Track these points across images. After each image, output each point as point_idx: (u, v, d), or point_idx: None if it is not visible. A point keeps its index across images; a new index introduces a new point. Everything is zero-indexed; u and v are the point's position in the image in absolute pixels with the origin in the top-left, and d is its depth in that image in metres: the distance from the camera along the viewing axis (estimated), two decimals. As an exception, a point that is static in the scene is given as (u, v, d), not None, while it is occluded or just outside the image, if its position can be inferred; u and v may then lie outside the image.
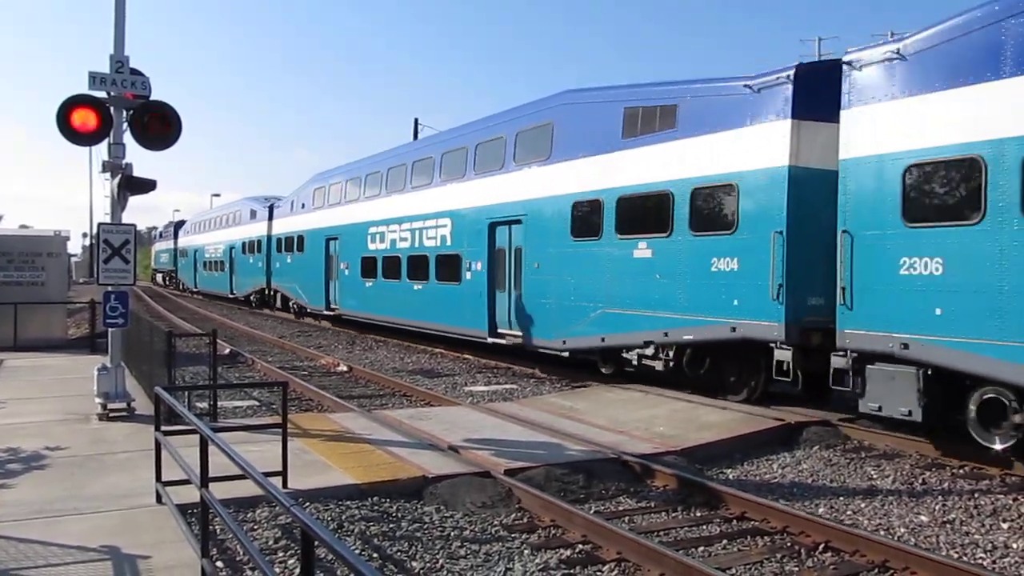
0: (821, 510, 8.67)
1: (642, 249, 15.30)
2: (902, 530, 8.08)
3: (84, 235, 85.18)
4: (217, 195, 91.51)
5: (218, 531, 7.32)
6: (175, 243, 68.64)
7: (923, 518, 8.43)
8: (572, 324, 17.06)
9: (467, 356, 21.78)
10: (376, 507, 8.32)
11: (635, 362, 15.69)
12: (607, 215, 16.12)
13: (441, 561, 7.02)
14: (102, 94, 11.70)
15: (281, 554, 7.01)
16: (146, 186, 12.51)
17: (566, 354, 17.75)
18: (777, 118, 12.90)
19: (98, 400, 12.12)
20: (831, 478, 9.96)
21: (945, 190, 10.60)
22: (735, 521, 8.29)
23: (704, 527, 8.16)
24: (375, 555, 7.10)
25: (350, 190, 29.79)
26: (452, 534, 7.68)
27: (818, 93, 12.56)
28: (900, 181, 10.84)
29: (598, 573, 6.87)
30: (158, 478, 7.76)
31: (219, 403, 13.32)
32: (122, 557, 6.47)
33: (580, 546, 7.46)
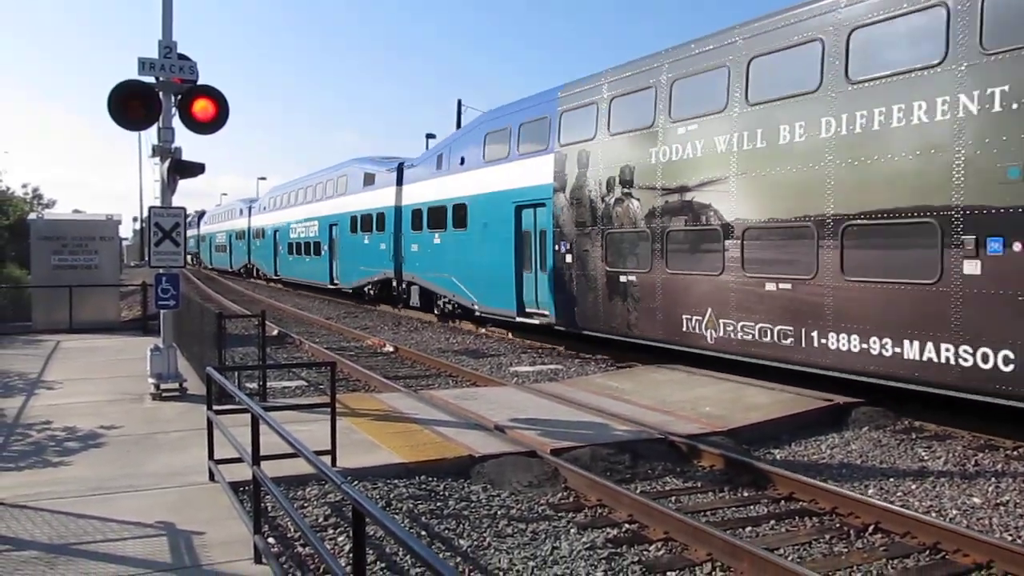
0: (871, 491, 8.57)
1: (366, 240, 32.49)
2: (954, 512, 7.96)
3: (135, 219, 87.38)
4: (263, 179, 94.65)
5: (269, 508, 7.46)
6: (198, 230, 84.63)
7: (976, 500, 8.29)
8: (352, 275, 34.51)
9: (512, 337, 21.85)
10: (423, 485, 8.40)
11: (366, 293, 33.14)
12: (357, 223, 33.49)
13: (488, 539, 7.07)
14: (151, 79, 11.88)
15: (331, 531, 7.12)
16: (195, 170, 12.68)
17: (351, 290, 34.87)
18: (394, 185, 29.57)
19: (151, 380, 12.38)
20: (881, 459, 9.84)
21: (415, 219, 27.12)
22: (783, 501, 8.23)
23: (751, 507, 8.12)
24: (423, 533, 7.18)
25: (284, 200, 47.52)
26: (499, 513, 7.74)
27: (404, 175, 28.97)
28: (411, 215, 27.49)
29: (645, 552, 6.87)
30: (210, 456, 7.91)
31: (268, 383, 13.51)
32: (177, 533, 6.62)
33: (627, 525, 7.46)
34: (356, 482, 8.21)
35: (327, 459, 8.35)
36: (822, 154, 12.19)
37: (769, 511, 8.00)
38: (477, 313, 22.85)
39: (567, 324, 18.38)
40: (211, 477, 7.92)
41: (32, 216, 25.27)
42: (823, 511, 7.88)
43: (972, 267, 10.25)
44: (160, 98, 11.95)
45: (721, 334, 14.07)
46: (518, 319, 20.31)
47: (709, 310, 14.31)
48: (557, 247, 18.44)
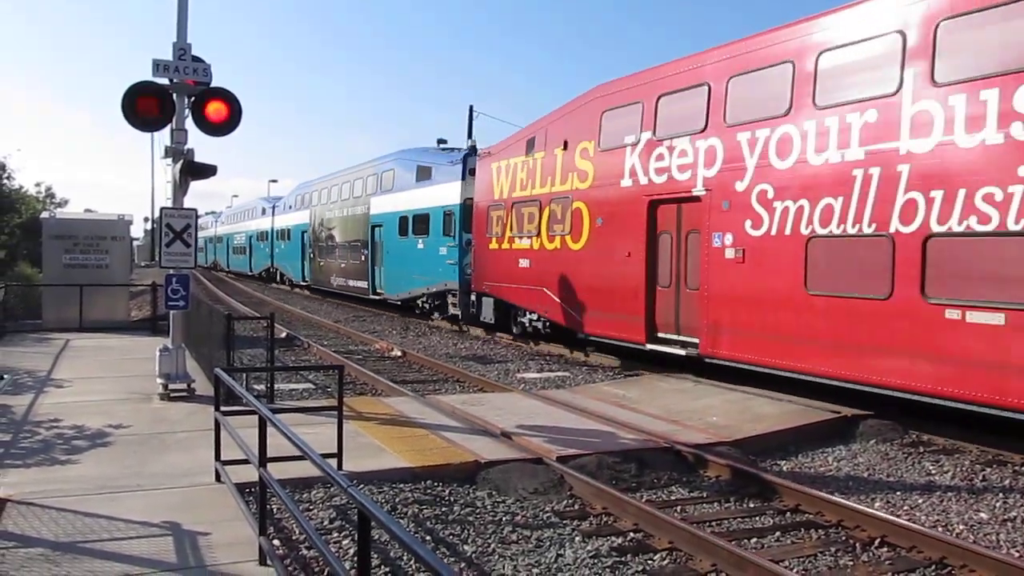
0: (877, 504, 8.54)
1: (262, 245, 54.95)
2: (961, 527, 7.93)
3: (145, 219, 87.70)
4: (275, 181, 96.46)
5: (275, 510, 7.47)
6: None
7: (983, 515, 8.25)
8: (258, 267, 56.64)
9: (519, 343, 21.85)
10: (429, 490, 8.41)
11: (261, 276, 55.98)
12: (259, 235, 55.32)
13: (493, 545, 7.07)
14: (165, 81, 11.94)
15: (336, 534, 7.14)
16: (207, 171, 12.72)
17: (258, 273, 56.56)
18: (271, 215, 53.56)
19: (159, 380, 12.42)
20: (888, 472, 9.80)
21: (277, 235, 51.46)
22: (789, 513, 8.21)
23: (757, 519, 8.10)
24: (428, 537, 7.19)
25: (233, 217, 68.82)
26: (504, 519, 7.74)
27: (276, 209, 52.87)
28: (277, 232, 51.62)
29: (649, 562, 6.87)
30: (217, 457, 7.94)
31: (276, 385, 13.55)
32: (183, 533, 6.64)
33: (632, 534, 7.45)
34: (362, 486, 8.22)
35: (333, 462, 8.36)
36: (348, 219, 35.42)
37: (775, 523, 7.98)
38: (294, 281, 46.23)
39: (312, 284, 41.44)
40: (217, 478, 7.95)
41: (44, 215, 25.38)
42: (829, 523, 7.86)
43: (366, 256, 32.95)
44: (174, 100, 12.02)
45: (337, 283, 36.39)
46: (301, 283, 44.13)
47: (335, 274, 36.75)
48: (310, 250, 41.37)
